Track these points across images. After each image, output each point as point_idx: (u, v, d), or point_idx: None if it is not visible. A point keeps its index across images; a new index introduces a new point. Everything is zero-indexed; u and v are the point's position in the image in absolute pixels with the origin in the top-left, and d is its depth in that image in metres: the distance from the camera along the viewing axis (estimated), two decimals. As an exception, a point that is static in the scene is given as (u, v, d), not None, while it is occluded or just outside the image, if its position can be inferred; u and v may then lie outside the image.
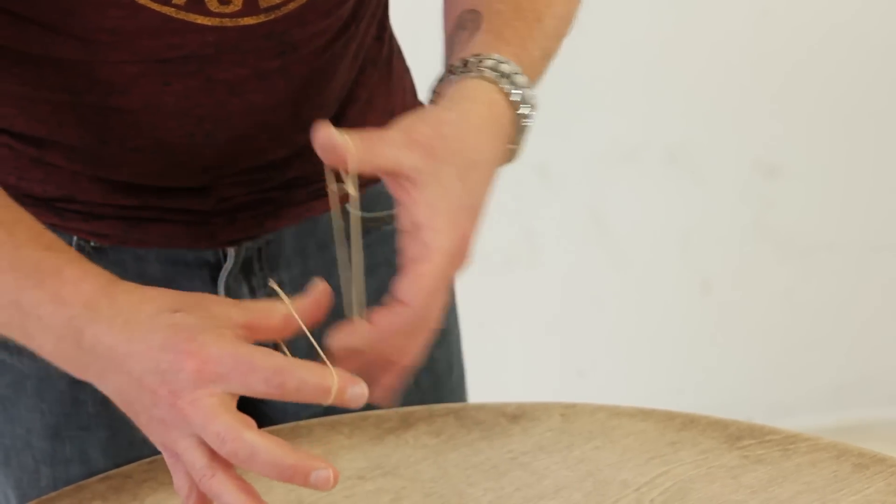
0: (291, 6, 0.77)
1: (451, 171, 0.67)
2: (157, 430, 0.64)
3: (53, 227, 0.72)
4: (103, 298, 0.66)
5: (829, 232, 2.23)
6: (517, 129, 0.74)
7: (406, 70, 0.98)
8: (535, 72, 0.76)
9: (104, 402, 0.69)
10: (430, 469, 0.80)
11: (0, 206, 0.71)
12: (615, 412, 0.85)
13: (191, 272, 0.88)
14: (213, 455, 0.62)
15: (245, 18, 0.76)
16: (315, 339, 0.65)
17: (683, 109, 2.14)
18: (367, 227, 0.92)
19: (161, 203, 0.86)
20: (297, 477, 0.61)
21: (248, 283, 0.89)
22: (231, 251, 0.88)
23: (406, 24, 1.01)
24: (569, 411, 0.86)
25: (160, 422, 0.64)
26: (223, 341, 0.62)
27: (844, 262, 2.25)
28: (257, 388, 0.62)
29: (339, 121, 0.86)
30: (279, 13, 0.77)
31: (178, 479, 0.66)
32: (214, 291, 0.88)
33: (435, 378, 1.00)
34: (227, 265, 0.88)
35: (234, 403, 0.63)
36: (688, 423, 0.83)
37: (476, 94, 0.72)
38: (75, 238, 0.85)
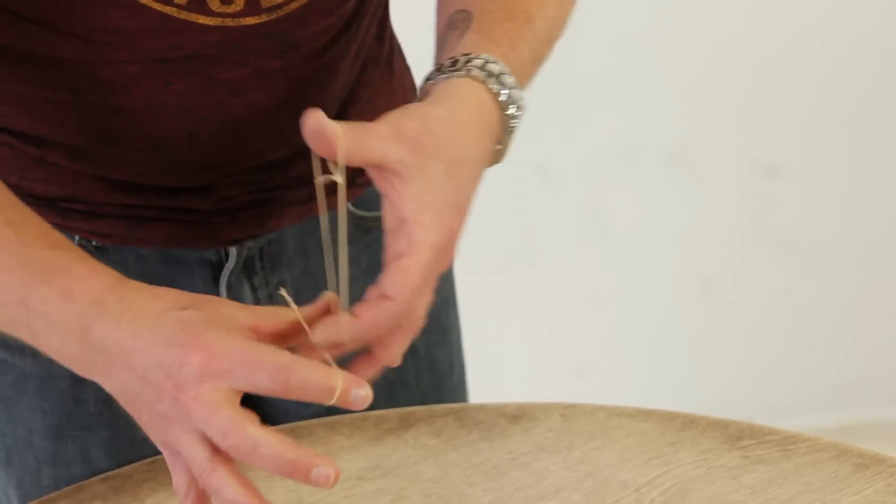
0: (293, 6, 0.77)
1: (438, 167, 0.67)
2: (159, 427, 0.64)
3: (55, 227, 0.72)
4: (112, 295, 0.66)
5: (829, 232, 2.23)
6: (504, 130, 0.74)
7: (407, 69, 0.98)
8: (525, 73, 0.76)
9: (106, 402, 0.69)
10: (430, 469, 0.80)
11: (7, 205, 0.71)
12: (615, 412, 0.85)
13: (192, 271, 0.88)
14: (215, 450, 0.62)
15: (247, 18, 0.76)
16: None
17: (683, 109, 2.14)
18: (368, 227, 0.92)
19: (163, 202, 0.86)
20: (297, 472, 0.61)
21: (250, 283, 0.89)
22: (233, 250, 0.88)
23: (406, 23, 1.01)
24: (569, 412, 0.86)
25: (162, 418, 0.64)
26: (230, 337, 0.63)
27: (844, 262, 2.25)
28: (262, 385, 0.62)
29: (341, 120, 0.86)
30: (281, 13, 0.77)
31: (177, 478, 0.66)
32: (216, 291, 0.89)
33: (436, 377, 1.00)
34: (229, 264, 0.88)
35: (238, 399, 0.63)
36: (688, 424, 0.84)
37: (464, 93, 0.72)
38: (77, 237, 0.86)
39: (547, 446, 0.82)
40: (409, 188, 0.66)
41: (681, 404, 0.92)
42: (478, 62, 0.73)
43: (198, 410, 0.62)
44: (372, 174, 0.68)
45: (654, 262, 2.21)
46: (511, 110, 0.73)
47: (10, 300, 0.68)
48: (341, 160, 0.64)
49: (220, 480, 0.62)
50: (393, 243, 0.66)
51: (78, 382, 0.69)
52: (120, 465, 0.85)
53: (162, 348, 0.63)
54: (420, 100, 0.73)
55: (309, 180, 0.87)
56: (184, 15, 0.74)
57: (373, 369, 0.68)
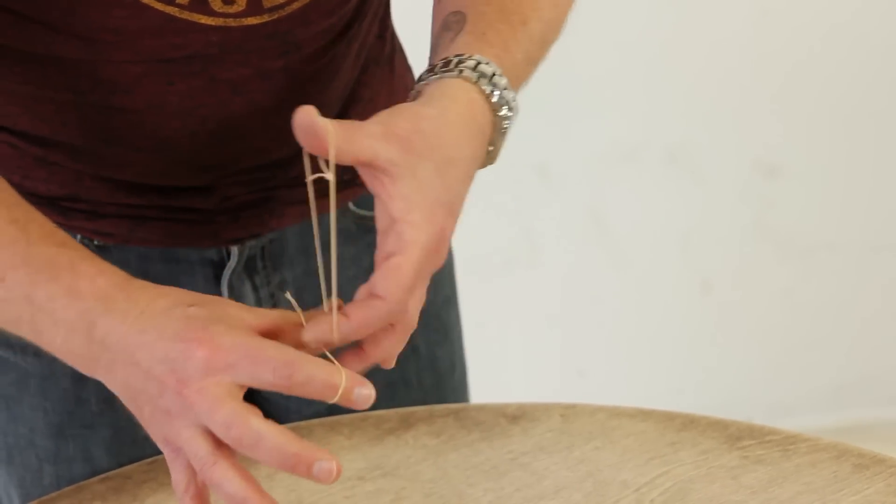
0: (295, 6, 0.77)
1: (429, 166, 0.67)
2: (161, 423, 0.65)
3: (57, 226, 0.72)
4: (119, 292, 0.66)
5: (829, 232, 2.23)
6: (497, 131, 0.73)
7: (408, 68, 0.98)
8: (518, 75, 0.76)
9: (108, 401, 0.69)
10: (430, 469, 0.80)
11: (12, 204, 0.71)
12: (615, 412, 0.85)
13: (194, 271, 0.88)
14: (217, 444, 0.62)
15: (248, 18, 0.76)
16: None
17: (683, 109, 2.14)
18: (370, 226, 0.92)
19: (164, 202, 0.86)
20: (300, 466, 0.61)
21: (252, 282, 0.89)
22: (234, 250, 0.88)
23: (407, 22, 1.01)
24: (569, 412, 0.86)
25: (165, 413, 0.64)
26: (235, 332, 0.63)
27: (844, 262, 2.25)
28: (266, 379, 0.62)
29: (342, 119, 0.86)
30: (282, 13, 0.77)
31: (176, 474, 0.66)
32: (218, 290, 0.89)
33: (438, 377, 1.00)
34: (231, 264, 0.88)
35: (241, 394, 0.63)
36: (688, 424, 0.84)
37: (455, 93, 0.72)
38: (79, 236, 0.86)
39: (547, 446, 0.82)
40: (400, 187, 0.66)
41: (681, 404, 0.92)
42: (470, 63, 0.73)
43: (201, 403, 0.62)
44: (363, 173, 0.67)
45: (654, 262, 2.21)
46: (503, 112, 0.73)
47: (14, 297, 0.68)
48: (332, 157, 0.64)
49: (222, 474, 0.62)
50: (384, 243, 0.66)
51: (80, 381, 0.69)
52: (121, 464, 0.85)
53: (167, 343, 0.63)
54: (412, 100, 0.73)
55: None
56: (186, 15, 0.74)
57: (362, 364, 0.68)
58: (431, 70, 0.74)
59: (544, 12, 0.80)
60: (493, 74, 0.73)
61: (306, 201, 0.89)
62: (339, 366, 0.63)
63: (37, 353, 0.70)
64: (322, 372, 0.62)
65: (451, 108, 0.71)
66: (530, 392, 1.87)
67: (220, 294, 0.89)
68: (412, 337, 0.70)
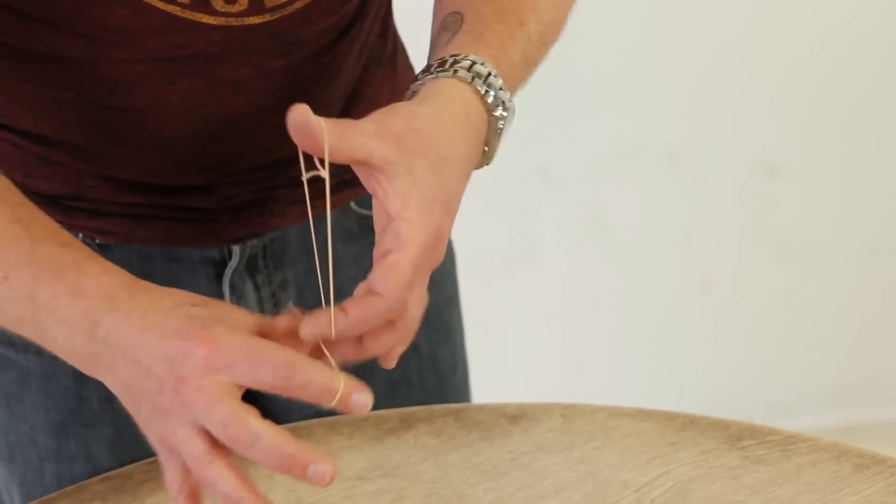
0: (296, 5, 0.77)
1: (424, 164, 0.67)
2: (157, 421, 0.64)
3: (61, 226, 0.72)
4: (124, 291, 0.66)
5: (829, 232, 2.23)
6: (492, 131, 0.73)
7: (410, 68, 0.98)
8: (515, 76, 0.76)
9: (109, 400, 0.69)
10: (431, 469, 0.80)
11: (16, 203, 0.71)
12: (615, 412, 0.85)
13: (195, 270, 0.88)
14: (213, 444, 0.62)
15: (250, 18, 0.76)
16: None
17: (683, 109, 2.14)
18: (371, 226, 0.92)
19: (166, 201, 0.86)
20: (295, 467, 0.61)
21: (253, 281, 0.89)
22: (236, 249, 0.88)
23: (409, 22, 1.01)
24: (569, 412, 0.86)
25: (162, 411, 0.64)
26: (235, 333, 0.63)
27: (844, 262, 2.25)
28: (265, 380, 0.62)
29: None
30: (284, 12, 0.77)
31: (170, 475, 0.66)
32: (219, 289, 0.89)
33: (439, 376, 1.00)
34: (232, 263, 0.88)
35: (240, 394, 0.63)
36: (688, 424, 0.84)
37: (450, 93, 0.72)
38: (81, 235, 0.86)
39: (547, 446, 0.82)
40: (396, 185, 0.66)
41: (681, 404, 0.92)
42: (465, 63, 0.73)
43: (199, 402, 0.62)
44: (358, 172, 0.67)
45: (654, 262, 2.21)
46: (498, 112, 0.73)
47: (17, 296, 0.68)
48: (326, 155, 0.64)
49: (217, 473, 0.62)
50: (381, 241, 0.66)
51: (81, 380, 0.69)
52: (123, 463, 0.85)
53: (167, 341, 0.63)
54: (408, 100, 0.73)
55: (314, 179, 0.87)
56: (187, 14, 0.74)
57: (357, 354, 0.68)
58: (427, 70, 0.74)
59: (543, 14, 0.80)
60: (489, 74, 0.73)
61: (309, 199, 0.90)
62: (339, 371, 0.63)
63: (38, 351, 0.70)
64: (321, 375, 0.62)
65: (445, 107, 0.71)
66: (530, 392, 1.87)
67: (221, 293, 0.89)
68: (414, 337, 0.70)
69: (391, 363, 0.70)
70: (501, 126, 0.73)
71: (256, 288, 0.90)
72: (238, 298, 0.89)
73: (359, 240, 0.92)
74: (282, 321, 0.66)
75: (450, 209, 0.68)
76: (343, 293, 0.67)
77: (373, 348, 0.68)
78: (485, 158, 0.75)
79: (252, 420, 0.61)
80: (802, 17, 2.12)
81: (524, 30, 0.78)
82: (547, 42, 0.81)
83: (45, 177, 0.85)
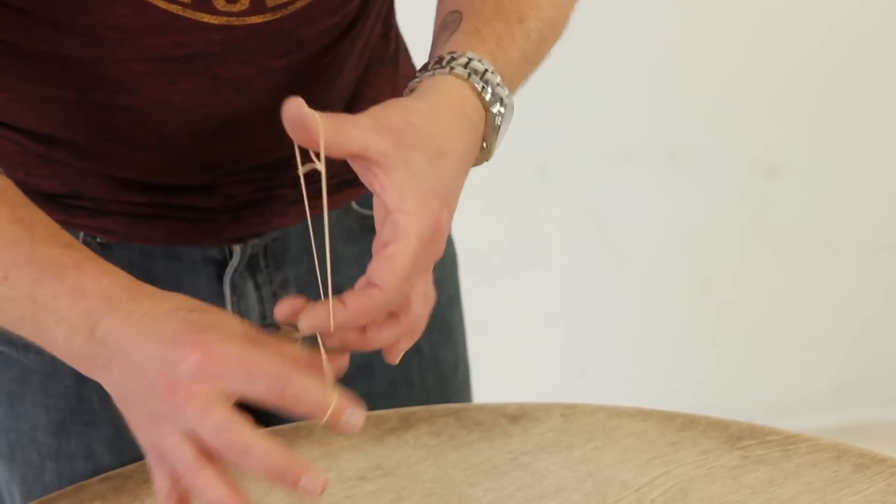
0: (298, 5, 0.77)
1: (420, 157, 0.67)
2: (148, 425, 0.64)
3: (60, 224, 0.72)
4: (124, 293, 0.66)
5: (830, 232, 2.23)
6: (490, 128, 0.73)
7: (412, 68, 0.98)
8: (513, 72, 0.76)
9: (110, 399, 0.69)
10: (431, 469, 0.80)
11: (18, 204, 0.71)
12: (615, 412, 0.85)
13: (196, 269, 0.88)
14: (202, 450, 0.62)
15: (252, 17, 0.76)
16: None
17: (683, 109, 2.14)
18: (372, 226, 0.92)
19: (167, 200, 0.86)
20: (287, 478, 0.61)
21: (254, 281, 0.89)
22: (237, 248, 0.88)
23: (412, 22, 1.01)
24: (569, 412, 0.86)
25: (152, 415, 0.63)
26: (232, 341, 0.63)
27: (844, 262, 2.25)
28: (259, 391, 0.62)
29: None
30: (286, 12, 0.77)
31: (159, 481, 0.65)
32: (220, 289, 0.89)
33: (441, 377, 1.00)
34: (233, 262, 0.88)
35: (233, 402, 0.63)
36: (688, 424, 0.84)
37: (446, 89, 0.72)
38: (82, 234, 0.86)
39: (547, 446, 0.82)
40: (393, 178, 0.66)
41: (681, 404, 0.92)
42: (462, 60, 0.73)
43: (191, 409, 0.61)
44: (355, 167, 0.67)
45: (654, 262, 2.21)
46: (496, 108, 0.73)
47: (17, 296, 0.68)
48: (322, 148, 0.64)
49: (206, 481, 0.62)
50: (380, 233, 0.66)
51: (82, 379, 0.69)
52: (123, 462, 0.85)
53: (162, 345, 0.63)
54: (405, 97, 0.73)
55: (314, 179, 0.87)
56: (189, 13, 0.74)
57: (361, 345, 0.68)
58: (425, 68, 0.74)
59: (543, 11, 0.80)
60: (485, 71, 0.73)
61: (309, 200, 0.90)
62: (334, 389, 0.62)
63: (39, 350, 0.70)
64: (314, 390, 0.62)
65: (440, 103, 0.71)
66: (530, 392, 1.87)
67: (222, 293, 0.89)
68: None
69: (395, 358, 0.70)
70: (499, 122, 0.73)
71: (257, 287, 0.90)
72: (239, 298, 0.89)
73: (360, 240, 0.92)
74: (281, 309, 0.66)
75: (448, 202, 0.68)
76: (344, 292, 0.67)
77: (376, 340, 0.68)
78: (484, 155, 0.75)
79: (245, 430, 0.61)
80: (802, 17, 2.12)
81: (523, 27, 0.78)
82: (548, 40, 0.81)
83: (46, 175, 0.85)
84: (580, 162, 2.14)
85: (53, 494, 0.83)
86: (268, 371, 0.62)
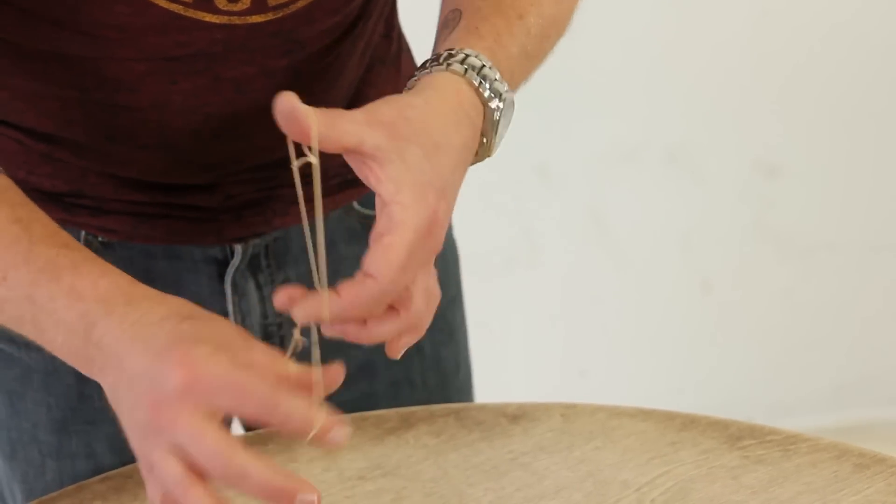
0: (299, 4, 0.77)
1: (416, 150, 0.67)
2: (137, 436, 0.64)
3: (62, 222, 0.72)
4: (120, 296, 0.66)
5: (830, 232, 2.23)
6: (489, 123, 0.73)
7: (414, 68, 0.97)
8: (512, 68, 0.76)
9: (110, 398, 0.69)
10: (431, 469, 0.80)
11: (17, 203, 0.71)
12: (615, 412, 0.85)
13: (197, 268, 0.88)
14: (190, 467, 0.61)
15: (253, 16, 0.76)
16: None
17: (683, 109, 2.14)
18: (372, 226, 0.92)
19: (168, 199, 0.86)
20: (283, 497, 0.60)
21: (255, 280, 0.89)
22: (238, 248, 0.88)
23: (415, 22, 1.01)
24: (569, 411, 0.86)
25: (140, 427, 0.63)
26: (220, 358, 0.61)
27: (844, 262, 2.25)
28: (247, 413, 0.61)
29: None
30: (287, 11, 0.77)
31: (151, 489, 0.64)
32: (221, 288, 0.89)
33: (442, 377, 1.00)
34: (234, 262, 0.88)
35: (220, 418, 0.62)
36: (688, 424, 0.84)
37: (442, 84, 0.72)
38: (83, 233, 0.86)
39: (547, 446, 0.82)
40: (388, 171, 0.66)
41: (681, 404, 0.92)
42: (459, 56, 0.73)
43: (179, 429, 0.60)
44: (351, 162, 0.67)
45: (654, 262, 2.21)
46: (494, 103, 0.73)
47: (16, 297, 0.68)
48: (314, 142, 0.64)
49: (195, 499, 0.61)
50: (376, 226, 0.66)
51: (83, 378, 0.68)
52: (124, 462, 0.85)
53: (150, 359, 0.62)
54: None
55: (309, 180, 0.87)
56: (190, 13, 0.74)
57: (358, 337, 0.67)
58: (423, 66, 0.74)
59: (545, 8, 0.80)
60: (483, 66, 0.73)
61: (310, 200, 0.90)
62: (321, 408, 0.62)
63: (40, 348, 0.70)
64: (301, 412, 0.61)
65: (436, 98, 0.71)
66: (531, 392, 1.87)
67: (223, 292, 0.89)
68: None
69: (396, 353, 0.69)
70: (498, 117, 0.73)
71: (259, 287, 0.90)
72: (240, 297, 0.89)
73: (362, 239, 0.92)
74: (279, 297, 0.66)
75: (445, 195, 0.68)
76: None
77: (376, 334, 0.68)
78: (485, 151, 0.75)
79: (240, 453, 0.60)
80: (802, 17, 2.12)
81: (523, 23, 0.78)
82: (550, 36, 0.81)
83: (47, 174, 0.85)
84: (580, 162, 2.14)
85: (54, 494, 0.83)
86: (255, 393, 0.60)
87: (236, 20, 0.75)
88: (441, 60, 0.73)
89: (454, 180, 0.70)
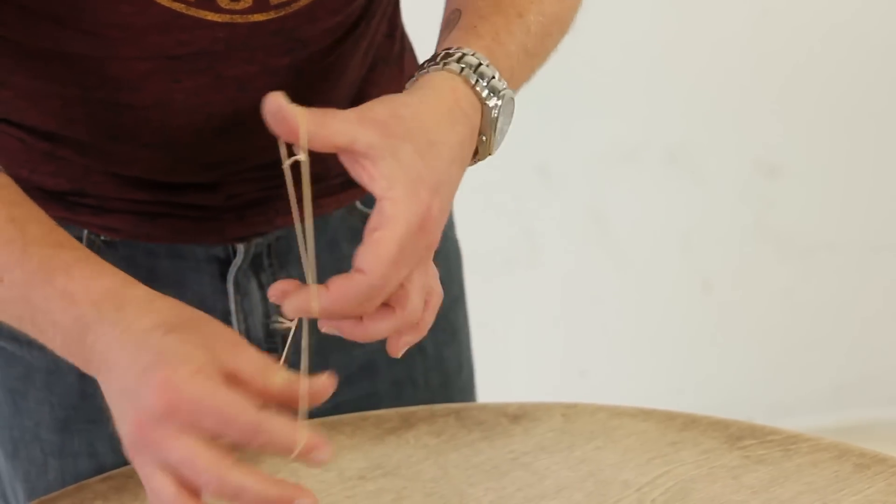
0: (301, 3, 0.77)
1: (409, 148, 0.67)
2: (127, 446, 0.63)
3: (64, 221, 0.72)
4: (110, 302, 0.65)
5: (830, 232, 2.24)
6: (487, 122, 0.73)
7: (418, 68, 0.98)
8: (512, 66, 0.76)
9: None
10: (432, 469, 0.80)
11: (13, 202, 0.71)
12: (616, 412, 0.85)
13: (200, 267, 0.88)
14: (181, 484, 0.61)
15: (255, 15, 0.76)
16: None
17: (684, 109, 2.14)
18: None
19: (171, 198, 0.86)
20: None
21: (258, 280, 0.89)
22: (240, 247, 0.88)
23: (418, 22, 1.01)
24: (570, 411, 0.86)
25: (129, 441, 0.63)
26: (200, 384, 0.60)
27: (845, 262, 2.25)
28: (230, 437, 0.61)
29: None
30: (289, 10, 0.77)
31: (150, 498, 0.64)
32: (224, 287, 0.89)
33: (445, 377, 1.00)
34: (237, 261, 0.88)
35: (206, 435, 0.61)
36: (689, 424, 0.84)
37: (437, 83, 0.71)
38: (86, 232, 0.86)
39: (548, 446, 0.82)
40: (381, 168, 0.66)
41: (681, 404, 0.92)
42: (456, 55, 0.73)
43: (165, 451, 0.60)
44: (345, 161, 0.67)
45: (654, 262, 2.21)
46: (492, 101, 0.73)
47: (14, 297, 0.68)
48: (303, 141, 0.64)
49: None
50: (369, 222, 0.66)
51: (85, 376, 0.68)
52: (126, 461, 0.85)
53: (134, 377, 0.62)
54: None
55: (317, 178, 0.87)
56: (192, 11, 0.74)
57: (353, 334, 0.67)
58: (421, 67, 0.74)
59: (545, 6, 0.80)
60: (479, 65, 0.72)
61: (313, 199, 0.89)
62: (303, 426, 0.61)
63: (42, 346, 0.70)
64: (283, 436, 0.60)
65: (430, 96, 0.71)
66: (531, 392, 1.87)
67: (225, 291, 0.89)
68: None
69: (397, 352, 0.69)
70: (496, 115, 0.73)
71: (261, 286, 0.89)
72: (242, 297, 0.89)
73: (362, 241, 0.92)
74: (274, 291, 0.66)
75: (439, 192, 0.68)
76: None
77: (372, 331, 0.68)
78: (485, 149, 0.74)
79: (232, 473, 0.60)
80: (802, 17, 2.12)
81: (523, 21, 0.78)
82: (552, 34, 0.81)
83: (50, 173, 0.85)
84: (580, 162, 2.14)
85: (54, 494, 0.83)
86: (236, 418, 0.60)
87: (238, 19, 0.75)
88: (438, 60, 0.73)
89: (450, 178, 0.70)
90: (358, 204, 0.93)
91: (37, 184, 0.84)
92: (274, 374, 0.62)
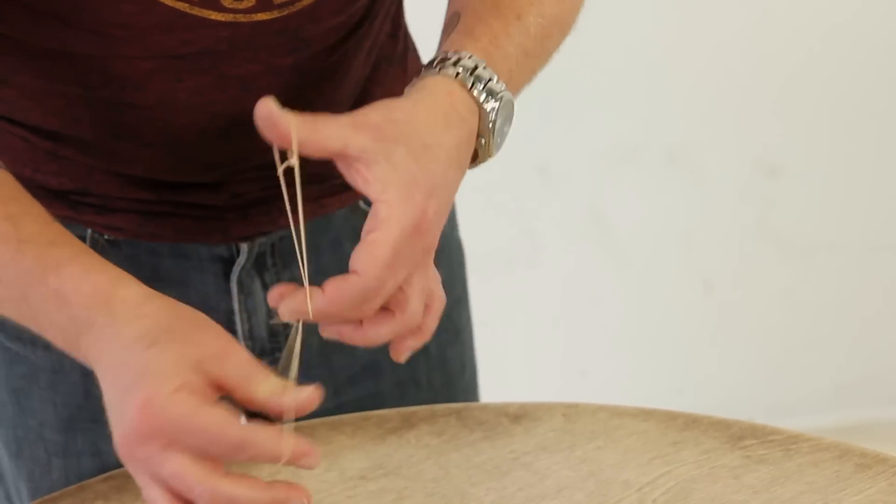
0: (304, 2, 0.77)
1: (403, 151, 0.67)
2: (119, 453, 0.64)
3: (67, 220, 0.72)
4: (101, 305, 0.65)
5: (830, 232, 2.24)
6: (485, 123, 0.73)
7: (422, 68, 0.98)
8: (510, 68, 0.76)
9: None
10: (433, 469, 0.80)
11: (8, 198, 0.71)
12: (617, 412, 0.86)
13: (203, 267, 0.88)
14: (174, 494, 0.61)
15: (258, 14, 0.76)
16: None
17: (684, 109, 2.14)
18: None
19: (174, 198, 0.86)
20: None
21: (261, 279, 0.89)
22: (244, 247, 0.88)
23: (421, 22, 1.01)
24: (571, 411, 0.86)
25: (119, 450, 0.63)
26: (181, 403, 0.60)
27: (845, 262, 2.25)
28: (216, 455, 0.61)
29: None
30: (292, 9, 0.77)
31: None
32: (227, 286, 0.89)
33: (448, 377, 1.00)
34: (240, 261, 0.88)
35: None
36: (690, 423, 0.84)
37: (433, 87, 0.72)
38: (90, 231, 0.86)
39: (549, 446, 0.82)
40: (375, 171, 0.66)
41: (681, 404, 0.92)
42: (452, 59, 0.73)
43: (156, 469, 0.60)
44: (340, 166, 0.67)
45: (654, 262, 2.21)
46: (490, 104, 0.73)
47: (12, 296, 0.68)
48: (294, 146, 0.64)
49: None
50: (365, 225, 0.67)
51: (88, 375, 0.68)
52: (128, 461, 0.85)
53: (118, 394, 0.62)
54: None
55: (320, 178, 0.87)
56: (195, 11, 0.74)
57: (353, 338, 0.68)
58: (418, 72, 0.75)
59: (545, 8, 0.80)
60: (476, 68, 0.73)
61: (316, 199, 0.90)
62: (289, 436, 0.61)
63: (47, 346, 0.70)
64: (268, 450, 0.61)
65: (427, 100, 0.71)
66: (532, 392, 1.87)
67: (229, 290, 0.89)
68: None
69: (400, 356, 0.70)
70: (493, 117, 0.73)
71: (264, 286, 0.89)
72: (246, 296, 0.89)
73: None
74: (272, 294, 0.66)
75: (435, 195, 0.68)
76: None
77: (372, 335, 0.68)
78: (484, 152, 0.74)
79: (223, 484, 0.60)
80: (802, 17, 2.12)
81: (522, 23, 0.78)
82: (552, 35, 0.81)
83: (53, 172, 0.85)
84: (581, 162, 2.14)
85: (55, 494, 0.83)
86: (221, 438, 0.60)
87: (241, 18, 0.75)
88: (434, 64, 0.73)
89: (447, 180, 0.70)
90: (361, 204, 0.93)
91: (40, 183, 0.84)
92: (260, 382, 0.62)
